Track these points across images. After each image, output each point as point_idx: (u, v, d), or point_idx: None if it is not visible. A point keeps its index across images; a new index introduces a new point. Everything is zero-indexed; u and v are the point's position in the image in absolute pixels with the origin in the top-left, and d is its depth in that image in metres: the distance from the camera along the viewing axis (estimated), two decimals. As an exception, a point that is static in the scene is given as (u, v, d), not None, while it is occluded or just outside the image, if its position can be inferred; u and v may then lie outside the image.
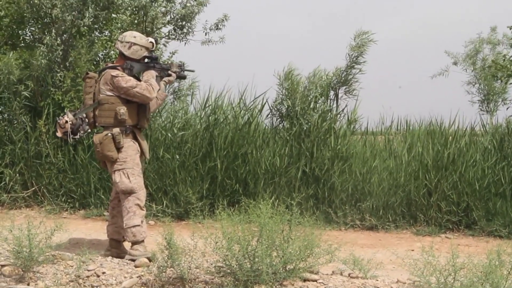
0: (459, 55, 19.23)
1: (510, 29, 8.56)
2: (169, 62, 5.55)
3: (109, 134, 5.04)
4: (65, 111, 5.32)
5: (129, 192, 5.05)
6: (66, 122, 5.10)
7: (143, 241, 5.07)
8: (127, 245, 5.29)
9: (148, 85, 5.07)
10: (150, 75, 5.18)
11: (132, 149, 5.11)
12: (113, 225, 5.29)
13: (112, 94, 5.07)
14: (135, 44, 5.17)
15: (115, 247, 5.30)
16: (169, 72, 5.37)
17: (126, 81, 5.03)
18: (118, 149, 5.06)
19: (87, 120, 5.22)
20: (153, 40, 5.26)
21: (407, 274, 4.56)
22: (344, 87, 8.18)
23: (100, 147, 5.05)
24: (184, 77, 5.74)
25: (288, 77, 8.12)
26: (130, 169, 5.06)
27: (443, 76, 18.42)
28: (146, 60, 5.30)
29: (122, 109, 5.04)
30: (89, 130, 5.31)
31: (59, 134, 5.18)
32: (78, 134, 5.18)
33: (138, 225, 5.03)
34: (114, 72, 5.07)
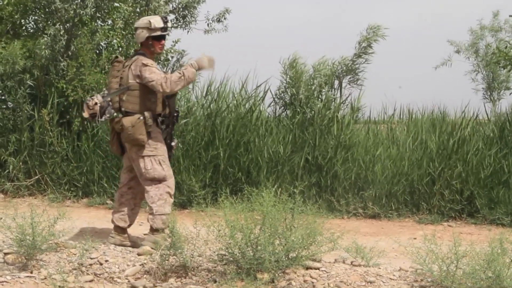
0: (462, 43, 19.00)
1: None
2: None
3: (141, 117, 5.01)
4: (93, 93, 5.23)
5: (161, 180, 5.04)
6: (96, 103, 5.03)
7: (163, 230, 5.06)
8: (131, 232, 5.32)
9: (167, 78, 4.93)
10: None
11: (160, 136, 5.11)
12: (120, 212, 5.25)
13: (140, 81, 5.03)
14: (137, 28, 5.19)
15: (120, 233, 5.29)
16: None
17: (150, 72, 4.97)
18: (148, 133, 5.04)
19: (111, 103, 5.16)
20: (151, 19, 5.13)
21: (410, 262, 4.57)
22: (349, 77, 8.19)
23: (132, 130, 4.97)
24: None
25: (292, 65, 8.11)
26: (161, 156, 5.06)
27: (446, 66, 18.23)
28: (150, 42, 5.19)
29: (153, 98, 5.04)
30: (115, 114, 5.27)
31: (85, 114, 5.09)
32: (104, 117, 5.10)
33: (169, 214, 5.02)
34: (145, 61, 5.03)
